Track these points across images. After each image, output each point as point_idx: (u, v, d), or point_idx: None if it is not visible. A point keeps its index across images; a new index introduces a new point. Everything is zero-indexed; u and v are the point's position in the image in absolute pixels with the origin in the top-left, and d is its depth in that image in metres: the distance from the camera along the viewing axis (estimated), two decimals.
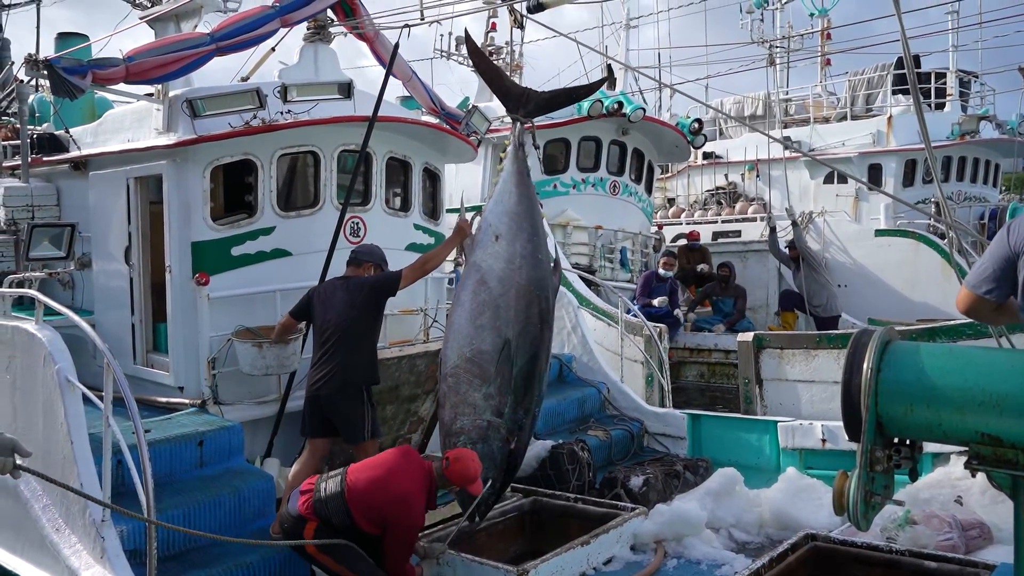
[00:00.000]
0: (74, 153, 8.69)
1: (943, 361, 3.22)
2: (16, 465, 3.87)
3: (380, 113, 7.37)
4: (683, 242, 17.48)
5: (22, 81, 8.14)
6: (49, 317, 6.31)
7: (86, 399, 5.71)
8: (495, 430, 6.32)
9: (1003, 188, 23.10)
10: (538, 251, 6.67)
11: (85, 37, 10.05)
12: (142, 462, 5.27)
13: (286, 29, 7.47)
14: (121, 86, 7.23)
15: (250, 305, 7.47)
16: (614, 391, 9.88)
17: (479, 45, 17.95)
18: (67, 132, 8.82)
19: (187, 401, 7.28)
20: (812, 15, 23.21)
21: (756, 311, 17.04)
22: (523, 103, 6.99)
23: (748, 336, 10.97)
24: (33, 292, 6.42)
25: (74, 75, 6.66)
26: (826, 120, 20.46)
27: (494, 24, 17.89)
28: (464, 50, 16.93)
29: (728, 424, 9.13)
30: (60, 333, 6.09)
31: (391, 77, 7.74)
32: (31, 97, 9.47)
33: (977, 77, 21.53)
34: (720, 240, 18.67)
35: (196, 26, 7.99)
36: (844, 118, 20.11)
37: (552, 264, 7.04)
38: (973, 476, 3.33)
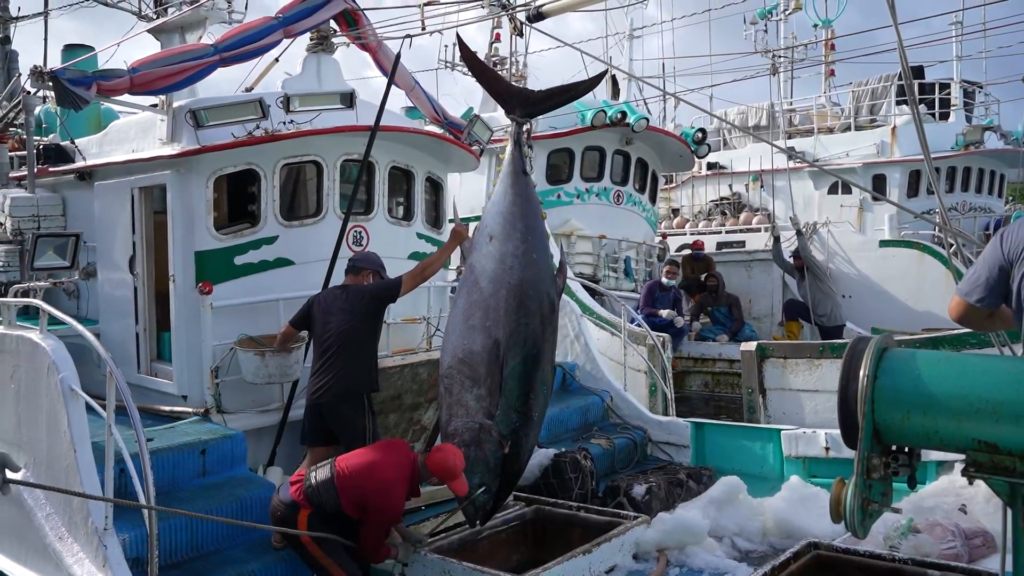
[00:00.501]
0: (79, 163, 8.75)
1: (940, 368, 3.22)
2: (6, 480, 3.87)
3: (382, 123, 7.41)
4: (687, 252, 17.48)
5: (29, 92, 8.19)
6: (54, 326, 6.35)
7: (90, 408, 5.74)
8: (487, 432, 6.24)
9: (1008, 198, 23.03)
10: (532, 251, 6.51)
11: (92, 49, 10.11)
12: (143, 470, 5.29)
13: (289, 40, 7.52)
14: (126, 97, 7.27)
15: (253, 314, 7.49)
16: (617, 399, 9.87)
17: (484, 56, 18.08)
18: (73, 143, 8.88)
19: (190, 410, 7.32)
20: (816, 26, 23.23)
21: (761, 320, 17.03)
22: (520, 103, 6.98)
23: (751, 346, 10.97)
24: (37, 302, 6.46)
25: (79, 86, 6.70)
26: (830, 130, 20.44)
27: (498, 35, 17.98)
28: None
29: (732, 432, 9.13)
30: (65, 342, 6.14)
31: (395, 87, 7.78)
32: (38, 108, 9.53)
33: (982, 87, 21.52)
34: (724, 250, 18.65)
35: (201, 37, 8.07)
36: (848, 128, 20.10)
37: (556, 265, 6.98)
38: (970, 483, 3.33)
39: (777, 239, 16.27)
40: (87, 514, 5.48)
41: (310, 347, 7.12)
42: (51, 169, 9.00)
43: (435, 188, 9.08)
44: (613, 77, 17.91)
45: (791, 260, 15.85)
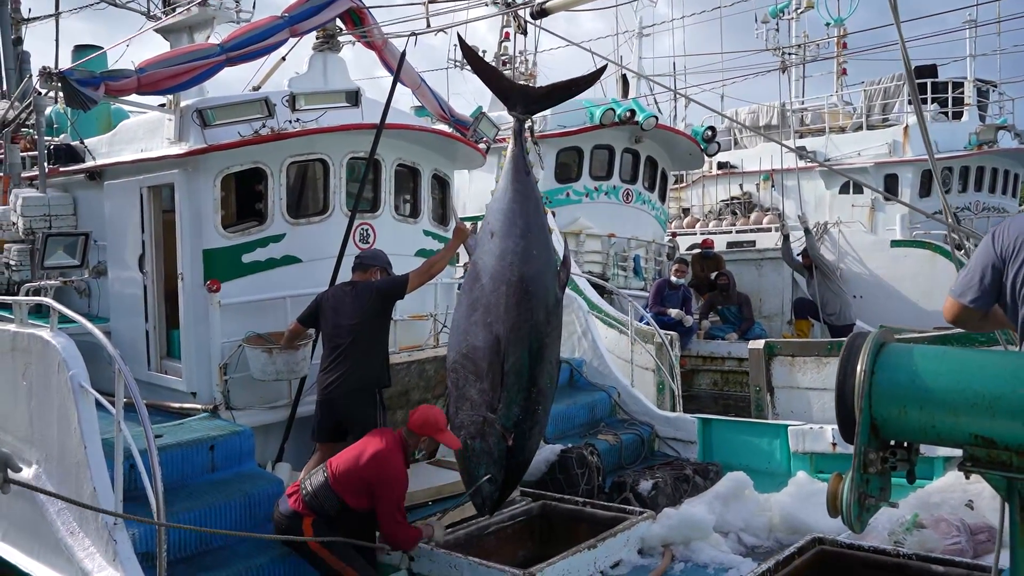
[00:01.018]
0: (89, 163, 8.82)
1: (936, 363, 3.22)
2: (7, 479, 3.92)
3: (388, 121, 7.45)
4: (697, 251, 17.46)
5: (40, 93, 8.27)
6: (65, 324, 6.41)
7: (100, 405, 5.79)
8: (490, 425, 6.31)
9: (1022, 198, 22.91)
10: (532, 247, 6.51)
11: (102, 49, 10.20)
12: (152, 466, 5.34)
13: (296, 39, 7.57)
14: (134, 97, 7.33)
15: (261, 311, 7.55)
16: (625, 395, 9.88)
17: (494, 55, 18.11)
18: (82, 143, 8.95)
19: (200, 406, 7.37)
20: (828, 24, 23.15)
21: (771, 319, 16.98)
22: (520, 100, 7.00)
23: (759, 344, 10.94)
24: (47, 300, 6.50)
25: (87, 87, 6.75)
26: (842, 130, 20.37)
27: (507, 33, 18.00)
28: None
29: (739, 428, 9.11)
30: (77, 340, 6.17)
31: (401, 85, 7.83)
32: (48, 109, 9.60)
33: (996, 86, 21.40)
34: (734, 249, 18.61)
35: (209, 37, 8.12)
36: (860, 128, 20.02)
37: (560, 260, 6.99)
38: (967, 478, 3.33)
39: (786, 238, 16.23)
40: None
41: (318, 344, 7.16)
42: (62, 169, 9.07)
43: (442, 185, 9.11)
44: (624, 76, 17.90)
45: (799, 259, 15.81)
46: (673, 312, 13.86)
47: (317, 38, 8.26)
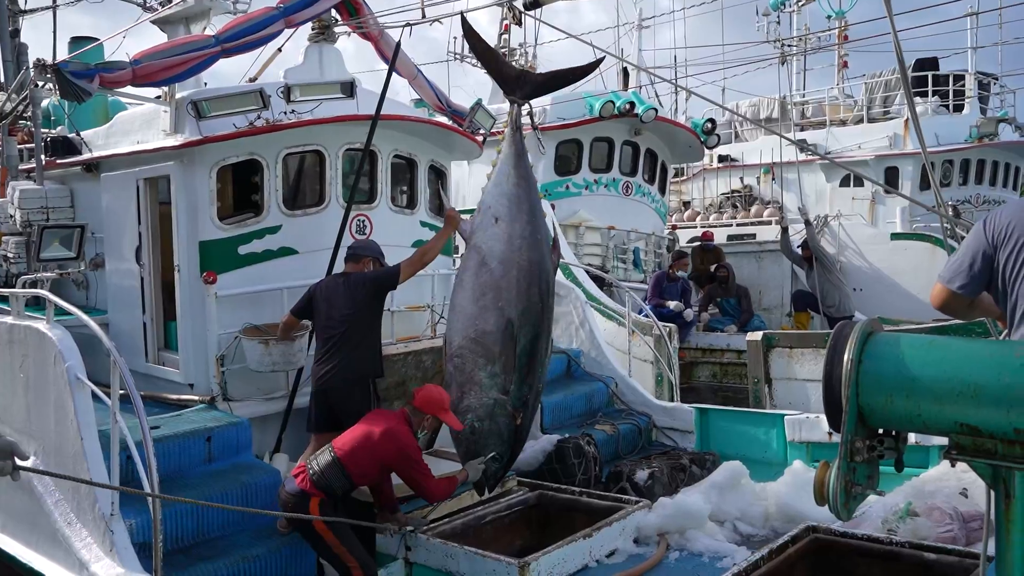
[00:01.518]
0: (86, 156, 8.83)
1: (923, 352, 3.23)
2: (15, 467, 3.95)
3: (384, 112, 7.45)
4: (697, 243, 17.46)
5: (37, 85, 8.28)
6: (62, 317, 6.43)
7: (97, 396, 5.81)
8: (501, 407, 6.52)
9: (1023, 191, 22.89)
10: (537, 232, 6.79)
11: (98, 41, 10.19)
12: (147, 457, 5.36)
13: (291, 30, 7.56)
14: (129, 89, 7.33)
15: (257, 303, 7.57)
16: (622, 385, 9.88)
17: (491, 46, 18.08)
18: (78, 135, 8.96)
19: (197, 398, 7.39)
20: (829, 17, 23.11)
21: (771, 312, 16.98)
22: (520, 85, 7.07)
23: (757, 336, 10.96)
24: (43, 292, 6.53)
25: (81, 79, 6.75)
26: (843, 123, 20.35)
27: (507, 25, 17.99)
28: None
29: (736, 418, 9.15)
30: (76, 332, 6.20)
31: (398, 75, 7.82)
32: (45, 101, 9.62)
33: (997, 79, 21.38)
34: (734, 242, 18.61)
35: (205, 28, 8.11)
36: (861, 121, 19.99)
37: (551, 244, 7.16)
38: (953, 466, 3.35)
39: (785, 230, 16.23)
40: (94, 500, 5.57)
41: (313, 335, 7.18)
42: (59, 161, 9.08)
43: (438, 176, 9.11)
44: (624, 68, 17.88)
45: (799, 251, 15.81)
46: (672, 304, 13.87)
47: (312, 29, 8.25)
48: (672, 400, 10.30)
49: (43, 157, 8.99)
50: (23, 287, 7.25)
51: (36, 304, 7.23)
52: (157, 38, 8.39)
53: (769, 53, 21.72)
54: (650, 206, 16.45)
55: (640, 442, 9.20)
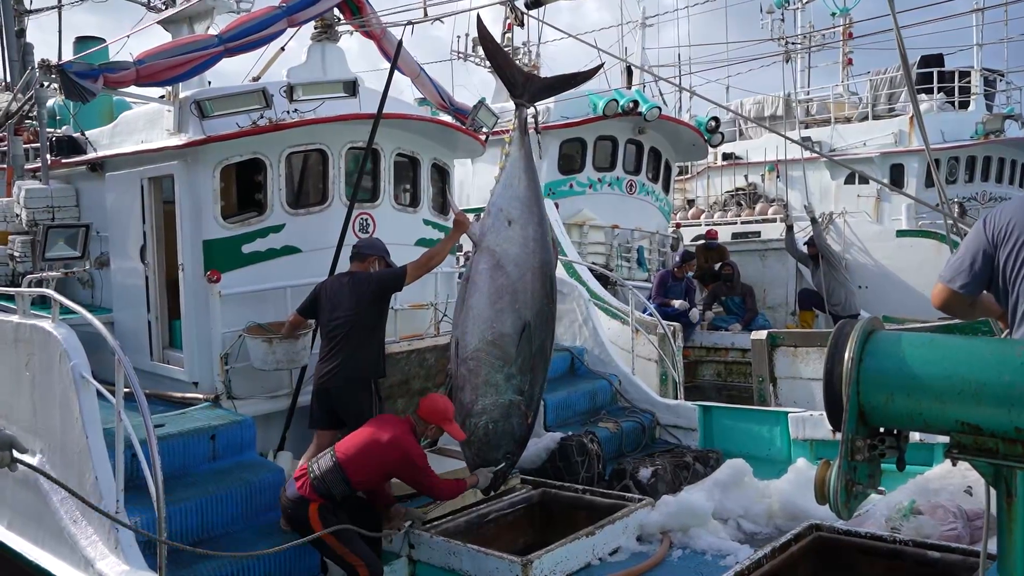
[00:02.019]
0: (91, 155, 8.85)
1: (924, 351, 3.22)
2: (13, 459, 3.96)
3: (387, 110, 7.46)
4: (701, 242, 17.44)
5: (42, 85, 8.31)
6: (68, 315, 6.45)
7: (102, 395, 5.82)
8: (516, 408, 6.62)
9: None
10: (547, 234, 6.97)
11: (103, 41, 10.22)
12: (151, 455, 5.36)
13: (294, 29, 7.57)
14: (133, 89, 7.35)
15: (261, 301, 7.58)
16: (626, 383, 9.88)
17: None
18: (83, 134, 8.99)
19: (201, 396, 7.40)
20: (834, 14, 23.05)
21: (776, 310, 16.97)
22: (526, 88, 7.21)
23: (761, 334, 10.94)
24: (48, 291, 6.55)
25: (85, 79, 6.76)
26: (847, 120, 20.31)
27: (510, 24, 17.98)
28: (481, 51, 17.03)
29: (739, 415, 9.12)
30: (81, 331, 6.21)
31: (400, 74, 7.84)
32: (50, 101, 9.65)
33: (1003, 75, 21.30)
34: (739, 240, 18.59)
35: (208, 27, 8.13)
36: (866, 118, 19.95)
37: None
38: (954, 465, 3.34)
39: (790, 228, 16.20)
40: (100, 498, 5.57)
41: (317, 334, 7.19)
42: (64, 161, 9.11)
43: (441, 175, 9.12)
44: (628, 67, 17.87)
45: (804, 249, 15.78)
46: (677, 304, 13.86)
47: (315, 28, 8.27)
48: (676, 396, 10.29)
49: (48, 157, 9.02)
50: (29, 286, 7.28)
51: (42, 303, 7.25)
52: (161, 38, 8.41)
53: (773, 51, 21.68)
54: (654, 204, 16.44)
55: (643, 440, 9.19)
